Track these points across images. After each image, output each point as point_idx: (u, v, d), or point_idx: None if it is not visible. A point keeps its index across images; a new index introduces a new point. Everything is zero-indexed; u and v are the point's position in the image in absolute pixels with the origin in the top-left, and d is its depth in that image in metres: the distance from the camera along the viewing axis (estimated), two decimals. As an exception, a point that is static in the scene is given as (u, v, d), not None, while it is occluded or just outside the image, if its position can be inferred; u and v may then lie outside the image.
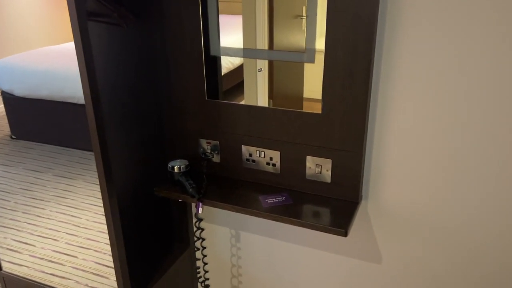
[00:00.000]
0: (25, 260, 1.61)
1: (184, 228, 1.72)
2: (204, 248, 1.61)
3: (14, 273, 1.66)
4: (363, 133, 1.27)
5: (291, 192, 1.41)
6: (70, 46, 1.24)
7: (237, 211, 1.35)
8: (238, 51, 1.33)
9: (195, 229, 1.66)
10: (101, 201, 1.34)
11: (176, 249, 1.72)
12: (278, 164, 1.42)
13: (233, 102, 1.40)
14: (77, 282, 1.53)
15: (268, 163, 1.43)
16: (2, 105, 1.39)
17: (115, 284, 1.45)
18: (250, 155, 1.45)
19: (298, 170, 1.40)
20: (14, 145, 1.45)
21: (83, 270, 1.50)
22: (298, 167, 1.39)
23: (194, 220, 1.71)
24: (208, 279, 1.81)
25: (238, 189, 1.44)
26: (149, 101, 1.44)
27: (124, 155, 1.35)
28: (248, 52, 1.32)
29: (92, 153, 1.26)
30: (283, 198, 1.38)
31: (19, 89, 1.33)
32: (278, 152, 1.40)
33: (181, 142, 1.54)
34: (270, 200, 1.37)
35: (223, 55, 1.37)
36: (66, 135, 1.32)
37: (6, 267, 1.67)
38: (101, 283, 1.48)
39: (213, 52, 1.37)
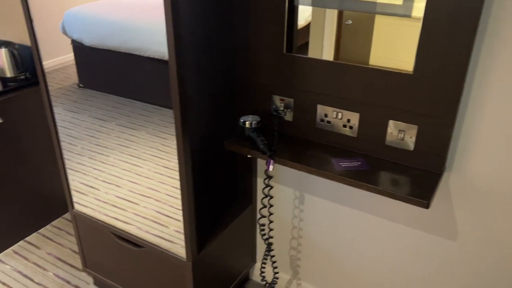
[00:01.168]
0: (91, 203, 1.67)
1: (248, 185, 1.71)
2: (271, 206, 1.59)
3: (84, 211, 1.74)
4: (458, 99, 1.14)
5: (367, 158, 1.33)
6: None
7: (308, 172, 1.29)
8: (325, 1, 1.20)
9: (263, 186, 1.64)
10: (162, 153, 1.33)
11: (238, 205, 1.72)
12: (355, 127, 1.32)
13: (313, 57, 1.30)
14: (138, 228, 1.58)
15: (344, 125, 1.34)
16: (72, 54, 1.38)
17: (174, 233, 1.48)
18: (326, 115, 1.36)
19: (377, 135, 1.30)
20: (82, 93, 1.44)
21: (144, 217, 1.54)
22: (377, 132, 1.29)
23: (263, 177, 1.68)
24: (272, 237, 1.81)
25: (310, 150, 1.38)
26: (224, 51, 1.37)
27: (198, 106, 1.32)
28: (337, 1, 1.19)
29: (154, 106, 1.24)
30: (359, 163, 1.30)
31: (88, 39, 1.31)
32: (358, 114, 1.30)
33: (253, 97, 1.48)
34: (345, 163, 1.29)
35: (307, 5, 1.25)
36: (130, 87, 1.30)
37: (76, 208, 1.75)
38: (161, 231, 1.52)
39: (296, 2, 1.26)
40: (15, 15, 2.24)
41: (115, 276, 1.85)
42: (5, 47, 2.09)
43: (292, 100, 1.40)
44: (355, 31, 1.21)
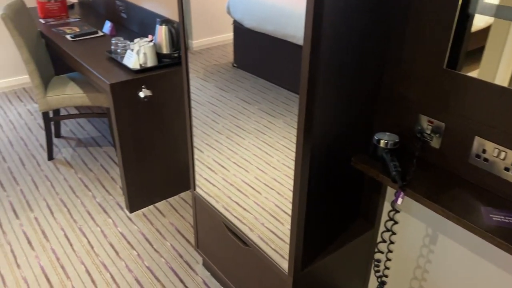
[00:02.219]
0: (218, 182, 1.81)
1: (372, 207, 1.64)
2: (391, 242, 1.50)
3: (206, 191, 1.90)
4: None
5: (530, 214, 1.15)
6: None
7: (447, 217, 1.17)
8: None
9: (387, 218, 1.55)
10: (294, 145, 1.36)
11: (358, 226, 1.67)
12: (521, 173, 1.16)
13: (482, 79, 1.18)
14: (255, 218, 1.64)
15: (507, 169, 1.18)
16: (232, 34, 1.50)
17: (288, 232, 1.49)
18: (484, 151, 1.22)
19: (549, 188, 1.12)
20: (234, 73, 1.57)
21: (263, 208, 1.59)
22: (550, 185, 1.11)
23: (388, 208, 1.60)
24: (387, 275, 1.72)
25: (455, 189, 1.25)
26: (372, 55, 1.34)
27: (329, 110, 1.30)
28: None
29: (298, 96, 1.26)
30: (516, 218, 1.14)
31: (248, 21, 1.40)
32: (527, 157, 1.14)
33: (395, 113, 1.41)
34: (497, 216, 1.14)
35: (487, 15, 1.14)
36: (279, 73, 1.35)
37: (202, 184, 1.92)
38: (276, 227, 1.55)
39: (472, 10, 1.16)
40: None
41: (221, 264, 1.96)
42: (165, 25, 2.37)
43: (443, 124, 1.29)
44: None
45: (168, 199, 2.73)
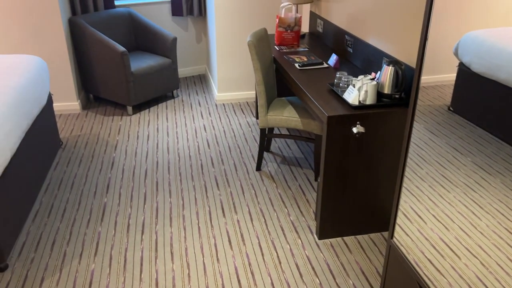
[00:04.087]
0: (412, 232, 1.65)
1: None
2: None
3: (398, 239, 1.75)
4: None
5: None
6: None
7: None
8: None
9: None
10: (511, 213, 1.13)
11: None
12: None
13: None
14: (449, 284, 1.44)
15: None
16: (454, 75, 1.36)
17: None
18: None
19: None
20: (448, 117, 1.42)
21: (460, 276, 1.39)
22: None
23: None
24: None
25: None
26: None
27: None
28: None
29: None
30: None
31: (477, 65, 1.26)
32: None
33: None
34: None
35: None
36: (504, 125, 1.16)
37: (396, 230, 1.78)
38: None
39: None
40: (411, 34, 2.42)
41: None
42: (392, 66, 2.31)
43: None
44: None
45: (357, 236, 2.63)
